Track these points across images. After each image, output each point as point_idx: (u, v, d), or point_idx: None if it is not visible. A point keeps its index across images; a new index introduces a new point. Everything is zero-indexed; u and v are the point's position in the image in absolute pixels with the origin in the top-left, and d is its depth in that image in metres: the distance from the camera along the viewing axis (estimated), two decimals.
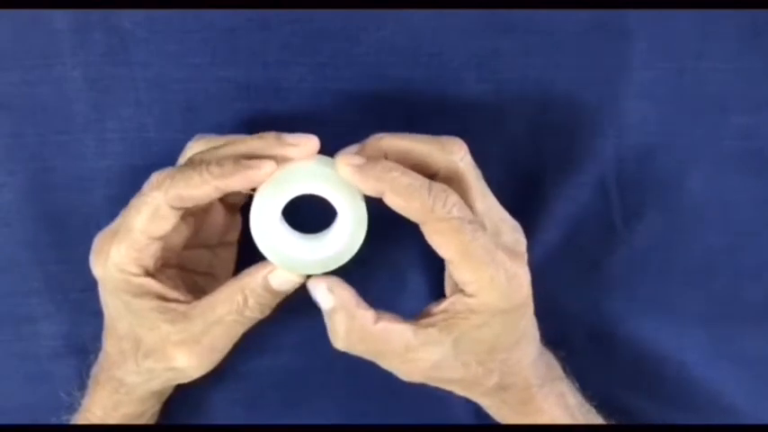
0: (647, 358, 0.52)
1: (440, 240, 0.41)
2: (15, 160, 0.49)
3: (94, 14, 0.47)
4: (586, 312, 0.52)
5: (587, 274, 0.51)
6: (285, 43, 0.48)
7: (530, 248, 0.50)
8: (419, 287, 0.51)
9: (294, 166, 0.41)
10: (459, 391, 0.45)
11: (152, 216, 0.41)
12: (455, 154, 0.42)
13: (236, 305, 0.43)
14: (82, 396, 0.47)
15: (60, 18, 0.47)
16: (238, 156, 0.41)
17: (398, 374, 0.44)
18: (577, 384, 0.47)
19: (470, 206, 0.42)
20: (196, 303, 0.43)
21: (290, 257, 0.42)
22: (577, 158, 0.50)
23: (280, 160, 0.41)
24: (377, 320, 0.42)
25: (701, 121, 0.49)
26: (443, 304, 0.43)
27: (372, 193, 0.40)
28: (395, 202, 0.40)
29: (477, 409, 0.52)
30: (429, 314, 0.43)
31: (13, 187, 0.49)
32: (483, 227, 0.41)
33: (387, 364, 0.44)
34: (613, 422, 0.48)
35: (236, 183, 0.40)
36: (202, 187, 0.40)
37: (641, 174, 0.50)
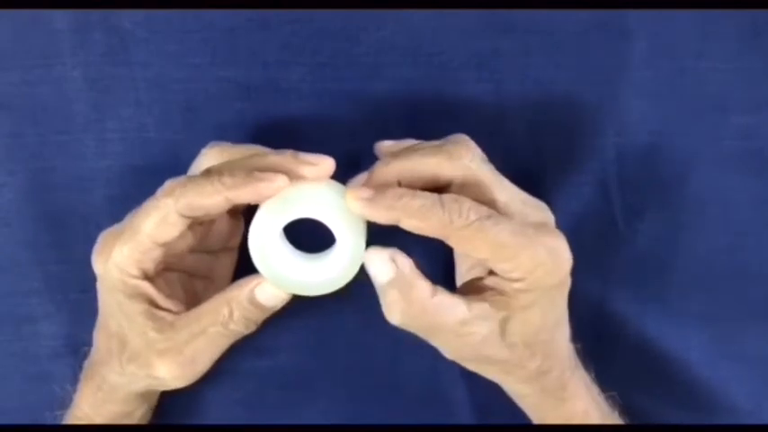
0: (649, 358, 0.52)
1: (469, 246, 0.40)
2: (15, 160, 0.49)
3: (94, 14, 0.47)
4: (589, 312, 0.52)
5: (589, 274, 0.51)
6: (285, 43, 0.48)
7: None
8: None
9: (303, 187, 0.41)
10: (499, 375, 0.45)
11: (160, 222, 0.41)
12: (464, 158, 0.42)
13: (221, 317, 0.43)
14: (74, 391, 0.47)
15: (60, 18, 0.47)
16: (252, 168, 0.41)
17: (448, 352, 0.43)
18: (592, 375, 0.47)
19: (492, 200, 0.42)
20: (184, 315, 0.43)
21: (282, 276, 0.42)
22: (578, 158, 0.50)
23: (293, 177, 0.41)
24: (434, 293, 0.41)
25: (701, 121, 0.49)
26: (489, 281, 0.42)
27: (387, 222, 0.40)
28: (413, 225, 0.40)
29: (477, 410, 0.52)
30: (478, 289, 0.43)
31: (13, 187, 0.49)
32: (505, 215, 0.41)
33: (440, 339, 0.43)
34: (622, 416, 0.48)
35: (246, 194, 0.40)
36: (213, 197, 0.40)
37: (642, 173, 0.50)
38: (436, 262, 0.50)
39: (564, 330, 0.45)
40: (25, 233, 0.50)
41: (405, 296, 0.41)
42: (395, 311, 0.42)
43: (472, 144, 0.43)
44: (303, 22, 0.48)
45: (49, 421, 0.49)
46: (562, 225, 0.50)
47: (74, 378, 0.49)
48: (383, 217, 0.40)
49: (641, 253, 0.51)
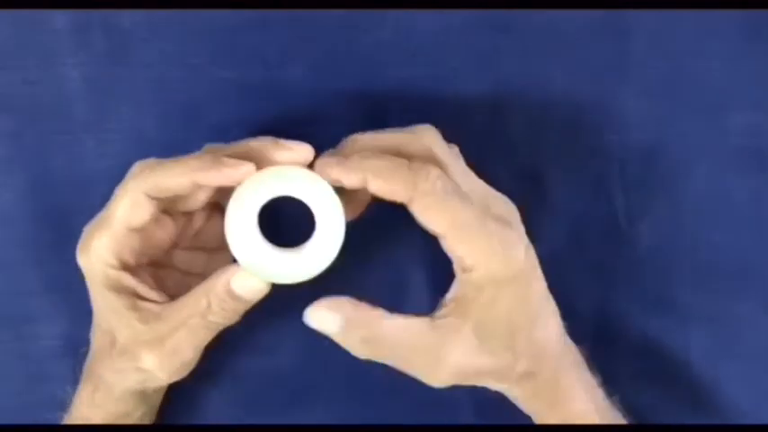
0: (650, 357, 0.52)
1: (429, 215, 0.41)
2: (15, 160, 0.49)
3: (94, 14, 0.47)
4: (591, 311, 0.51)
5: (591, 274, 0.51)
6: (285, 43, 0.48)
7: (533, 247, 0.50)
8: (420, 285, 0.51)
9: (276, 169, 0.41)
10: (493, 383, 0.45)
11: (132, 205, 0.41)
12: (425, 138, 0.43)
13: (199, 308, 0.43)
14: (74, 393, 0.47)
15: (60, 18, 0.47)
16: (226, 153, 0.41)
17: (428, 379, 0.43)
18: (599, 379, 0.47)
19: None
20: (169, 305, 0.43)
21: (260, 263, 0.42)
22: (578, 158, 0.50)
23: (269, 162, 0.41)
24: (386, 318, 0.42)
25: (700, 120, 0.49)
26: (450, 294, 0.43)
27: (355, 183, 0.41)
28: (378, 186, 0.40)
29: (477, 410, 0.52)
30: (441, 306, 0.43)
31: (13, 187, 0.49)
32: (470, 199, 0.42)
33: (414, 367, 0.43)
34: (628, 418, 0.48)
35: (211, 178, 0.41)
36: (178, 179, 0.41)
37: (643, 172, 0.50)
38: (434, 266, 0.50)
39: (547, 329, 0.44)
40: (25, 233, 0.50)
41: (359, 334, 0.42)
42: (355, 350, 0.43)
43: (437, 132, 0.44)
44: (303, 22, 0.48)
45: (49, 422, 0.49)
46: (564, 224, 0.50)
47: (74, 379, 0.49)
48: (351, 179, 0.41)
49: (644, 252, 0.51)
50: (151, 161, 0.42)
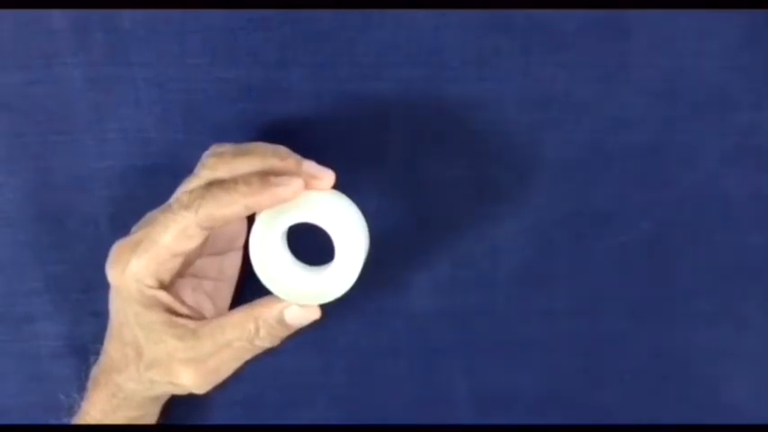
0: (651, 357, 0.52)
1: None
2: (15, 160, 0.49)
3: (94, 14, 0.47)
4: (590, 311, 0.52)
5: (591, 273, 0.51)
6: (285, 43, 0.48)
7: (533, 248, 0.50)
8: (420, 285, 0.51)
9: (301, 195, 0.42)
10: None
11: (180, 234, 0.42)
12: None
13: (246, 333, 0.43)
14: (81, 398, 0.47)
15: (60, 18, 0.47)
16: (261, 173, 0.41)
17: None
18: None
19: None
20: (206, 322, 0.44)
21: (287, 288, 0.43)
22: (578, 157, 0.50)
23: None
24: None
25: (701, 119, 0.49)
26: None
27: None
28: None
29: (477, 409, 0.52)
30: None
31: (13, 187, 0.50)
32: None
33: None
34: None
35: (265, 200, 0.41)
36: (232, 207, 0.41)
37: (644, 172, 0.50)
38: (435, 265, 0.50)
39: None
40: (25, 233, 0.50)
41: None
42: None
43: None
44: (303, 22, 0.48)
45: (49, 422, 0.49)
46: (563, 224, 0.50)
47: (73, 379, 0.49)
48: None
49: (643, 251, 0.51)
50: (198, 190, 0.42)
